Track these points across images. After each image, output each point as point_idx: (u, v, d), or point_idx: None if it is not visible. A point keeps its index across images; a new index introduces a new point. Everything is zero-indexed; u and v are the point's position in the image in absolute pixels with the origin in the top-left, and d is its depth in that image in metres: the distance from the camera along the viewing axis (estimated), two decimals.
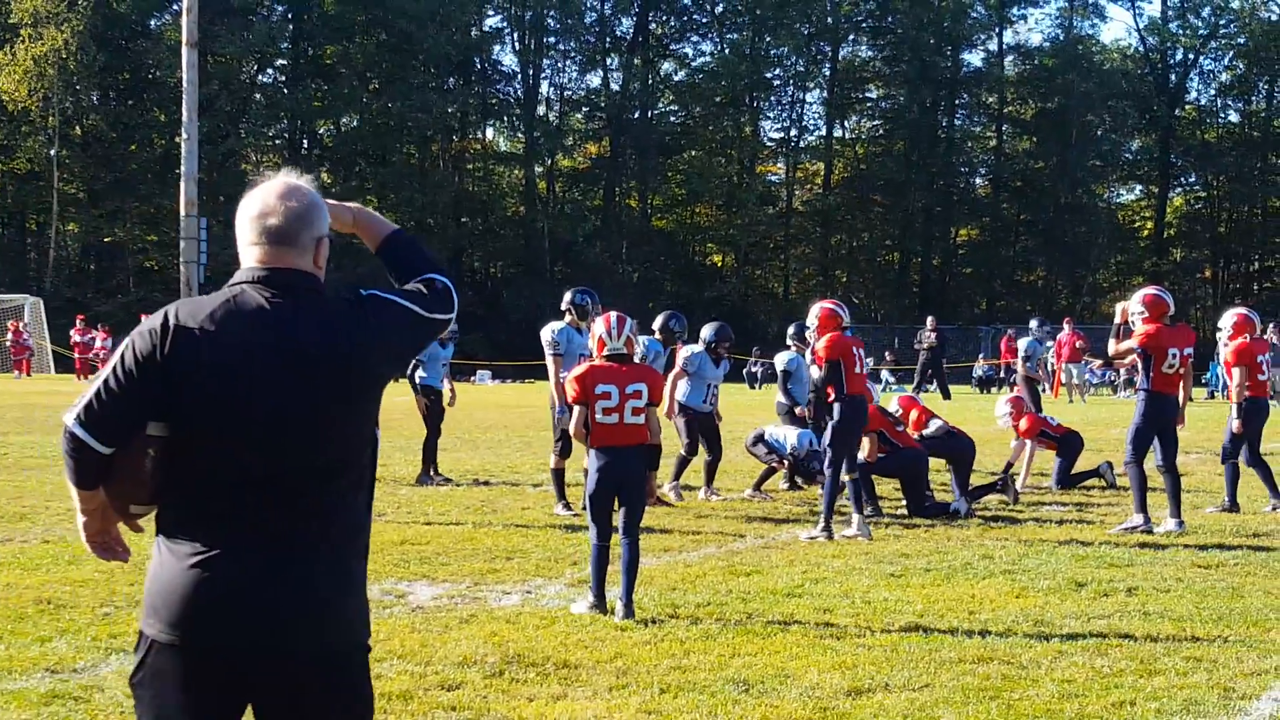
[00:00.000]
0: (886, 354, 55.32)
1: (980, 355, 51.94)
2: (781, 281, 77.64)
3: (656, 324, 17.58)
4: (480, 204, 74.18)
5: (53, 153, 61.72)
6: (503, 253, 74.35)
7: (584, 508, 10.85)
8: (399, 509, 15.93)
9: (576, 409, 10.46)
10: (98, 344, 50.45)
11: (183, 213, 54.98)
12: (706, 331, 17.72)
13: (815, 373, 14.49)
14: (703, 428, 17.51)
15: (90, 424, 3.98)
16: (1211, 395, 45.03)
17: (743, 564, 12.27)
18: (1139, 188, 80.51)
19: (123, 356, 4.00)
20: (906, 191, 74.00)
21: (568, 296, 16.17)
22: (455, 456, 21.78)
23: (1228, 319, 16.85)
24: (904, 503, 16.11)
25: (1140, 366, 14.28)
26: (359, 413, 4.12)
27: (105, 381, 4.00)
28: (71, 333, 51.44)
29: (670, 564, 12.34)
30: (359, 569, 4.17)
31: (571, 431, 10.69)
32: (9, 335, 51.50)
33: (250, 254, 4.20)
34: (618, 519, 10.42)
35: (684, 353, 17.37)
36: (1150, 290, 14.93)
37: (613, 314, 10.78)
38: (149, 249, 66.72)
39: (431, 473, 18.61)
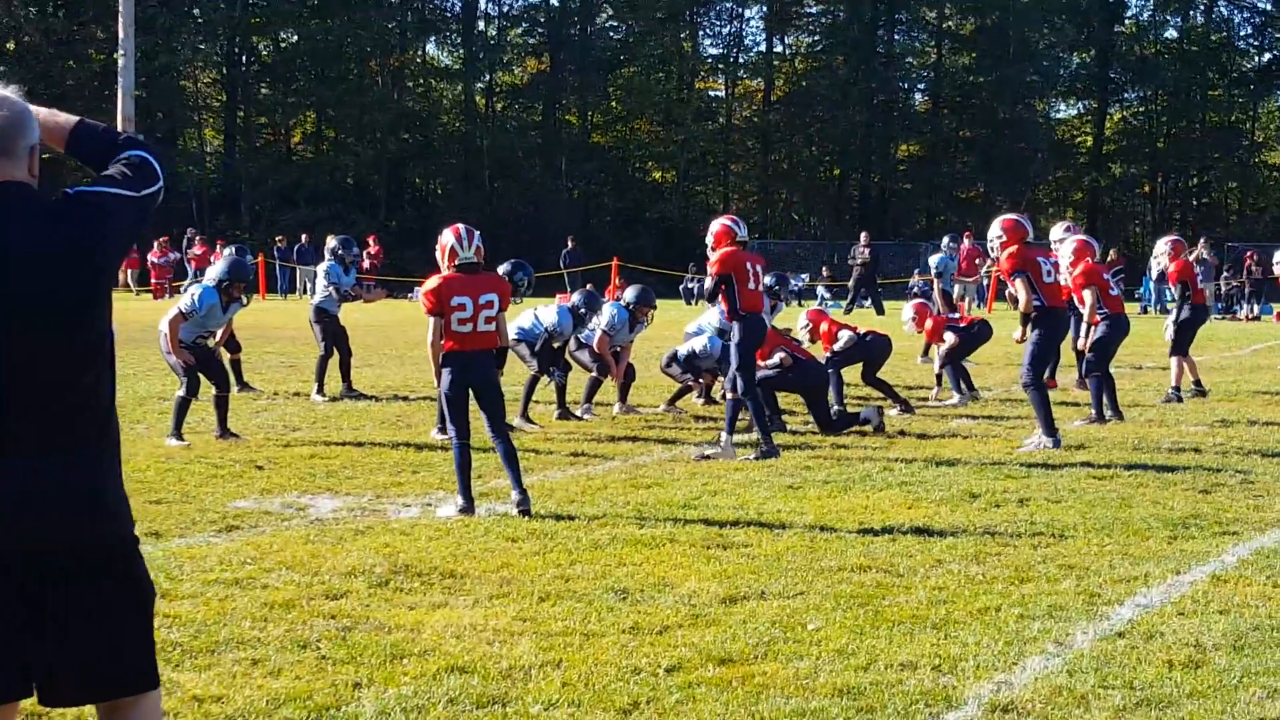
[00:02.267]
0: (824, 270, 55.48)
1: (916, 271, 52.02)
2: (721, 198, 77.55)
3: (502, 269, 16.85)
4: (420, 120, 73.71)
5: None
6: (442, 170, 73.98)
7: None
8: (314, 424, 16.01)
9: (432, 320, 10.75)
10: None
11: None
12: (629, 293, 17.63)
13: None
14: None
15: None
16: (1144, 310, 45.50)
17: (645, 477, 12.41)
18: (1079, 103, 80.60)
19: None
20: (846, 108, 73.81)
21: (504, 268, 15.98)
22: (378, 372, 21.84)
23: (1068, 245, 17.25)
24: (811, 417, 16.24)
25: (1021, 290, 14.37)
26: (90, 310, 4.14)
27: None
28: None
29: (573, 477, 12.48)
30: (112, 462, 4.22)
31: (429, 343, 10.91)
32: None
33: None
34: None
35: (608, 311, 17.25)
36: (1005, 218, 15.08)
37: (461, 226, 11.07)
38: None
39: (327, 390, 18.51)
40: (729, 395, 13.97)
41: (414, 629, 7.46)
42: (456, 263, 10.94)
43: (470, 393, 10.87)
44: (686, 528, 10.14)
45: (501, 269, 15.67)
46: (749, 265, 14.02)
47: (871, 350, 17.69)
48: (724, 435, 13.79)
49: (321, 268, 19.56)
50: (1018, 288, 14.31)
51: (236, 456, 13.35)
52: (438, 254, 11.16)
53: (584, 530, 10.03)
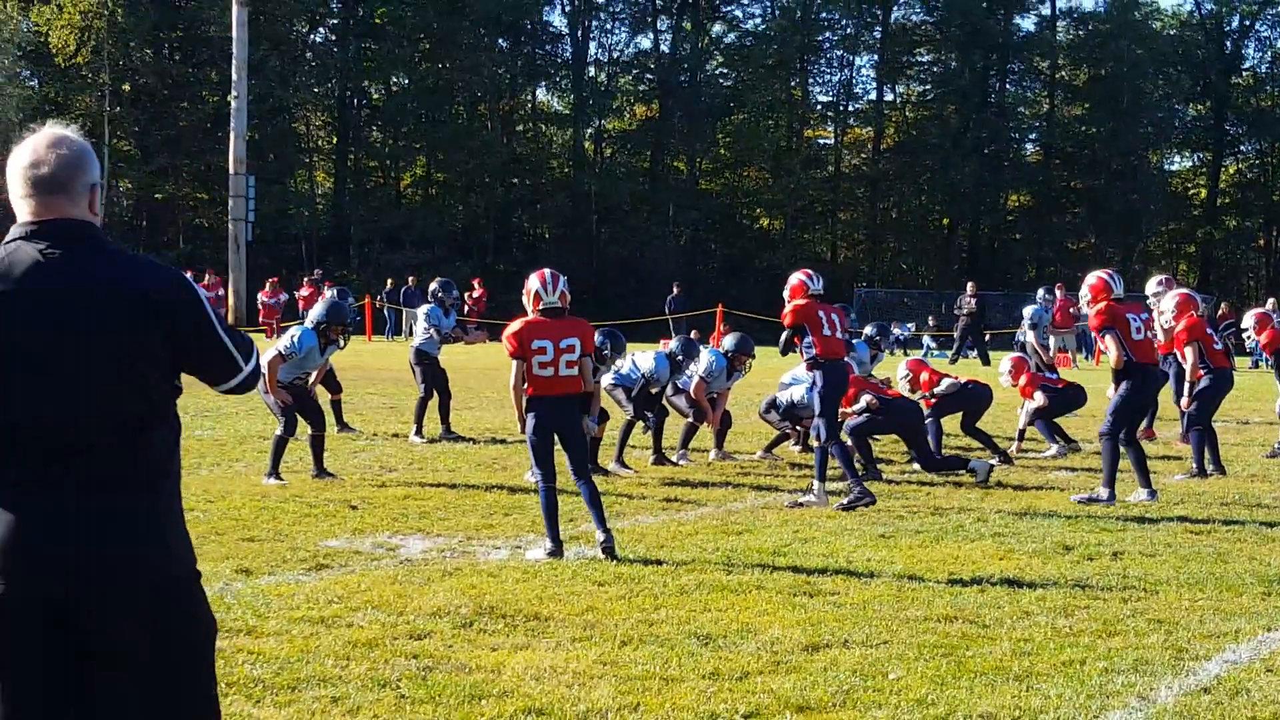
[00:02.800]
0: (930, 319, 55.14)
1: (1024, 322, 51.55)
2: (829, 246, 77.38)
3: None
4: (528, 165, 74.12)
5: (106, 109, 62.00)
6: (549, 214, 74.23)
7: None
8: (410, 465, 16.11)
9: (514, 363, 10.89)
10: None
11: (231, 170, 55.39)
12: (728, 341, 17.64)
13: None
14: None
15: None
16: (1255, 365, 44.83)
17: (736, 524, 12.39)
18: (1193, 155, 79.79)
19: None
20: (956, 157, 73.53)
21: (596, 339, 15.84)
22: (478, 414, 21.93)
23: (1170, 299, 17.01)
24: (912, 461, 16.14)
25: (1111, 347, 14.21)
26: (141, 355, 4.14)
27: None
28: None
29: (664, 523, 12.48)
30: (163, 507, 4.22)
31: (511, 386, 11.05)
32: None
33: (24, 207, 4.24)
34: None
35: (705, 358, 17.24)
36: (1095, 275, 14.98)
37: (547, 271, 11.20)
38: (199, 206, 67.08)
39: (426, 431, 18.65)
40: (815, 443, 13.92)
41: (495, 670, 7.48)
42: (540, 307, 11.05)
43: (555, 436, 10.92)
44: (774, 574, 10.10)
45: (596, 337, 15.68)
46: (822, 314, 13.99)
47: (973, 399, 17.62)
48: (816, 483, 13.72)
49: (422, 310, 19.80)
50: (1107, 344, 14.17)
51: (331, 496, 13.46)
52: (524, 298, 11.25)
53: (671, 575, 10.02)
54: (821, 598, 9.38)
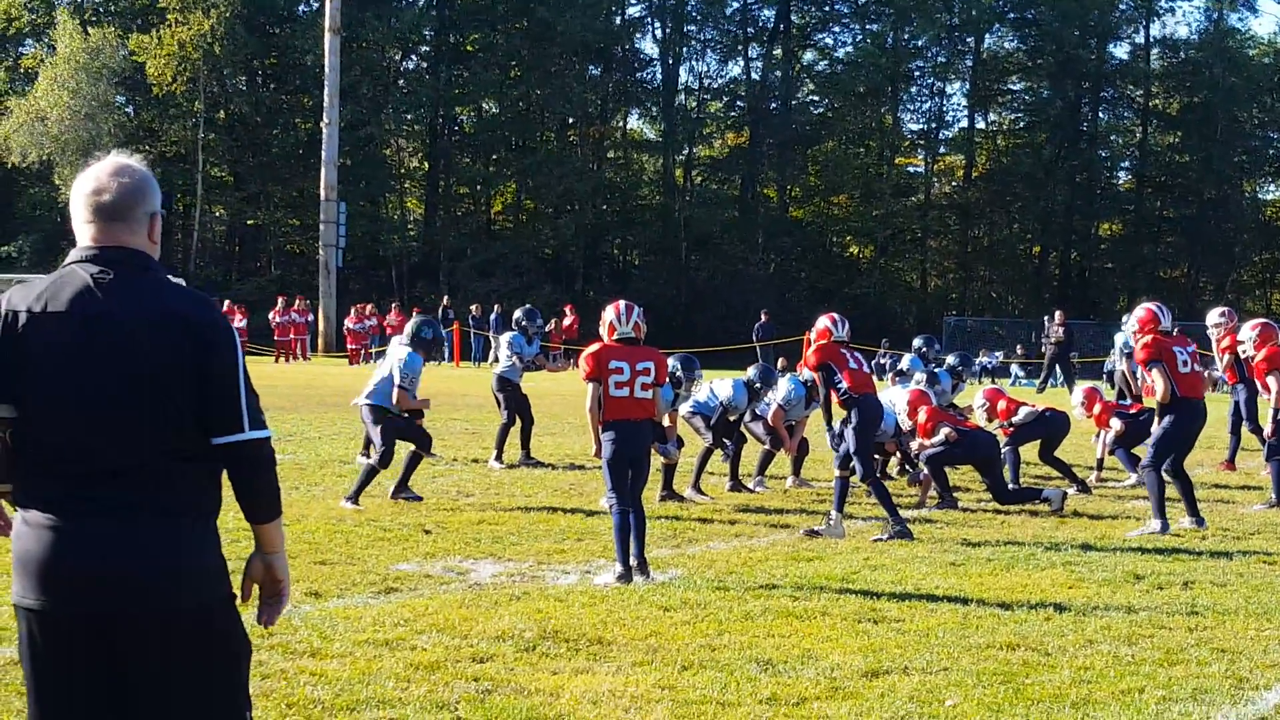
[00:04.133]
0: (1019, 348, 54.86)
1: (1115, 349, 51.20)
2: (919, 274, 77.18)
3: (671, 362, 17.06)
4: (619, 191, 74.36)
5: (200, 136, 62.73)
6: (639, 241, 74.48)
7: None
8: (487, 490, 16.23)
9: (590, 386, 11.10)
10: (235, 324, 50.73)
11: (323, 197, 55.98)
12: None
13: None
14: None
15: None
16: None
17: (807, 551, 12.43)
18: None
19: None
20: (1048, 185, 73.23)
21: (672, 362, 15.97)
22: (559, 440, 22.02)
23: (1249, 329, 16.84)
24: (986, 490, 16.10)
25: (1158, 379, 14.14)
26: (184, 386, 4.24)
27: None
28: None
29: (736, 548, 12.53)
30: (202, 532, 4.32)
31: (587, 409, 11.22)
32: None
33: (84, 232, 4.35)
34: None
35: (784, 386, 17.24)
36: (1143, 308, 14.98)
37: (623, 302, 11.52)
38: (290, 232, 67.70)
39: (506, 457, 18.80)
40: (838, 473, 13.86)
41: (553, 694, 7.55)
42: (615, 336, 11.23)
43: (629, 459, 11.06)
44: (840, 601, 10.13)
45: (670, 362, 15.77)
46: (845, 352, 13.98)
47: (1051, 427, 17.55)
48: (833, 512, 13.67)
49: (505, 338, 20.01)
50: (1153, 377, 14.09)
51: (405, 520, 13.58)
52: (601, 328, 11.42)
53: (738, 601, 10.07)
54: (886, 624, 9.40)
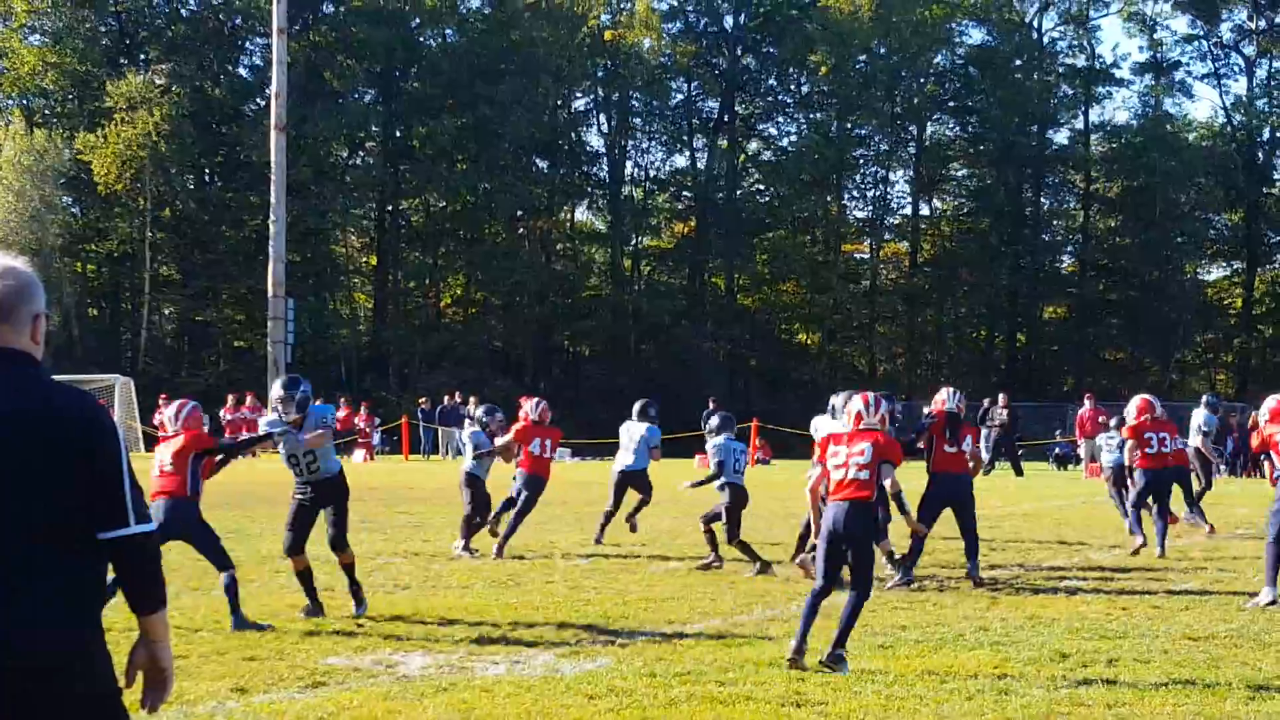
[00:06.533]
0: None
1: (1057, 432, 51.58)
2: (867, 359, 77.66)
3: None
4: (568, 283, 74.71)
5: (147, 234, 62.68)
6: (590, 332, 74.72)
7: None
8: (424, 583, 16.24)
9: (817, 468, 12.00)
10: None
11: (270, 293, 55.91)
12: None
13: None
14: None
15: None
16: None
17: (740, 634, 12.50)
18: (1227, 264, 79.97)
19: None
20: (992, 270, 74.03)
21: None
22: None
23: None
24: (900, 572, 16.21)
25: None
26: (63, 481, 4.35)
27: None
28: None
29: (668, 634, 12.58)
30: (85, 623, 4.41)
31: (808, 489, 12.34)
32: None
33: None
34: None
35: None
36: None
37: (870, 394, 11.90)
38: (239, 328, 67.71)
39: (468, 546, 19.08)
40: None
41: None
42: (860, 425, 11.65)
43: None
44: (765, 686, 10.21)
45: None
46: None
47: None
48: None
49: (468, 435, 20.43)
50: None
51: (339, 614, 13.60)
52: (845, 417, 12.33)
53: (663, 688, 10.13)
54: (808, 708, 9.49)
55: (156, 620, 4.55)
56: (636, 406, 21.05)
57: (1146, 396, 19.06)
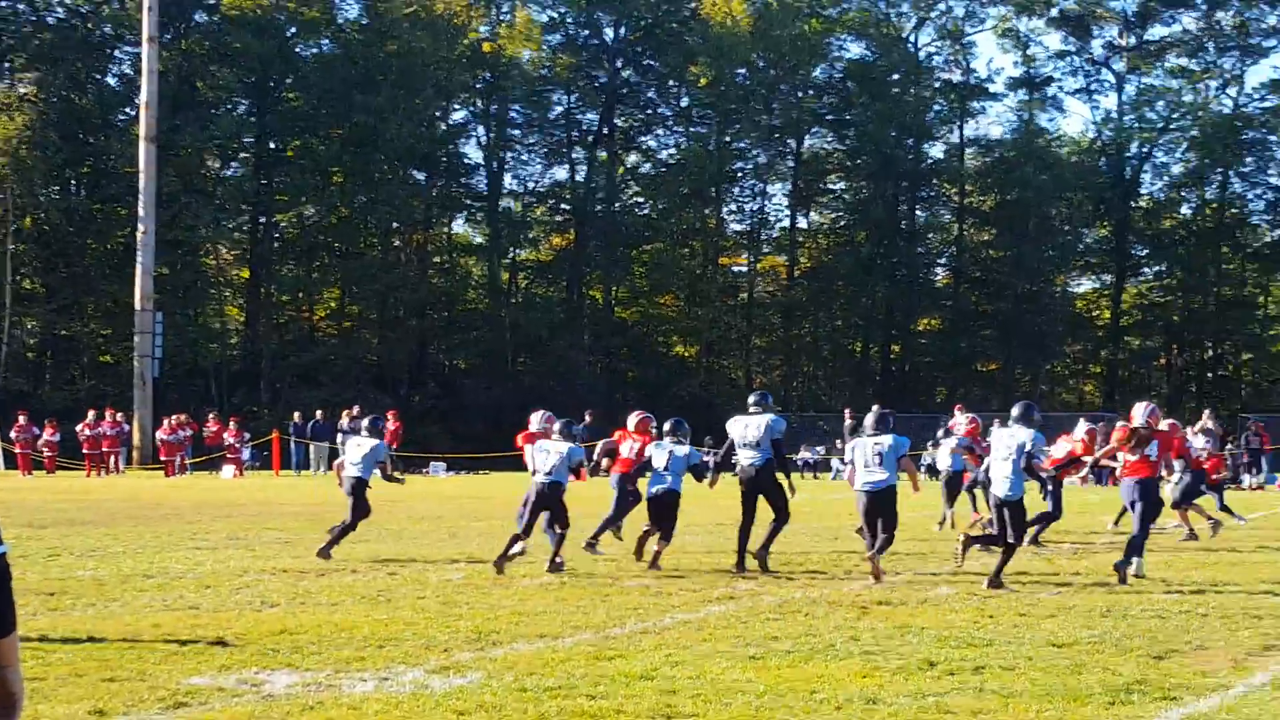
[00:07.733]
0: (837, 442, 55.51)
1: (929, 444, 51.95)
2: (744, 372, 77.95)
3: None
4: (445, 297, 74.39)
5: (8, 246, 61.45)
6: (466, 346, 74.43)
7: None
8: (291, 600, 16.02)
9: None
10: (44, 437, 49.50)
11: (138, 306, 55.26)
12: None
13: None
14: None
15: None
16: None
17: (612, 647, 12.42)
18: (1096, 277, 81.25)
19: None
20: (868, 282, 74.63)
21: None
22: (373, 547, 21.85)
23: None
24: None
25: None
26: None
27: None
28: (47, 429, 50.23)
29: (540, 649, 12.48)
30: None
31: None
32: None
33: None
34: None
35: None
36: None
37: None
38: (105, 343, 66.72)
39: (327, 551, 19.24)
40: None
41: None
42: None
43: None
44: (636, 698, 10.14)
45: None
46: None
47: None
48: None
49: (370, 443, 20.49)
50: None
51: (203, 633, 13.38)
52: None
53: (534, 702, 10.03)
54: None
55: (7, 644, 4.43)
56: (667, 425, 20.49)
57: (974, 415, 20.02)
